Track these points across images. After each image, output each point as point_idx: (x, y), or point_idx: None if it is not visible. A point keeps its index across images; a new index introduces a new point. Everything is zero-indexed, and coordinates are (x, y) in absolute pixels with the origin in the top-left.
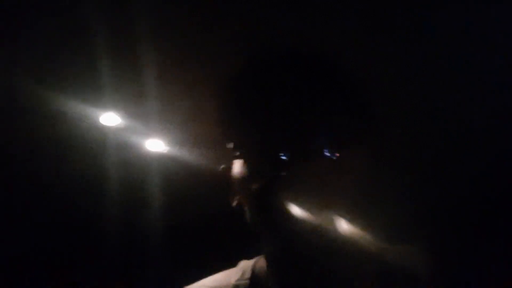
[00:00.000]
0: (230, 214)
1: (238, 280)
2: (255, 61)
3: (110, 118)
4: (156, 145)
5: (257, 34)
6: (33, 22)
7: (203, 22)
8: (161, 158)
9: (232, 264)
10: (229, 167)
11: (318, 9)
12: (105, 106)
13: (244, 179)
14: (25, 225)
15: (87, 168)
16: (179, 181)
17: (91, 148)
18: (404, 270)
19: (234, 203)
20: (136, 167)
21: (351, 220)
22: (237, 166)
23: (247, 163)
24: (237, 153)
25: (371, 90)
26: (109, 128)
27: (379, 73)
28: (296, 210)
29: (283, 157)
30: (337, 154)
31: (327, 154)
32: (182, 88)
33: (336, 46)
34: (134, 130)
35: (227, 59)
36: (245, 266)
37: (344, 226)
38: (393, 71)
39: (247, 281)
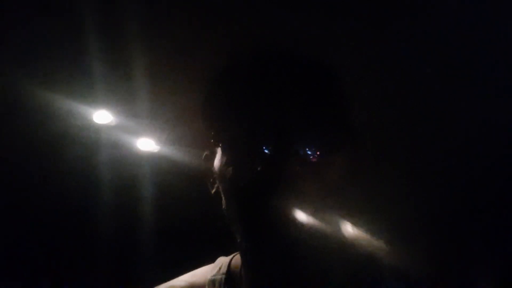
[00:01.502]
0: (219, 214)
1: (214, 275)
2: (246, 56)
3: (102, 116)
4: (147, 143)
5: (250, 33)
6: (24, 21)
7: (196, 20)
8: (152, 157)
9: (213, 257)
10: (212, 154)
11: (312, 11)
12: (97, 104)
13: (226, 170)
14: (14, 224)
15: (78, 166)
16: (171, 180)
17: (83, 146)
18: (394, 270)
19: (213, 191)
20: (127, 165)
21: (336, 218)
22: (220, 155)
23: (229, 154)
24: (220, 142)
25: (360, 91)
26: (101, 126)
27: (374, 73)
28: (276, 208)
29: (266, 152)
30: (318, 153)
31: (309, 152)
32: (175, 87)
33: (330, 48)
34: (126, 128)
35: (220, 58)
36: (222, 261)
37: (328, 225)
38: (390, 71)
39: (223, 276)
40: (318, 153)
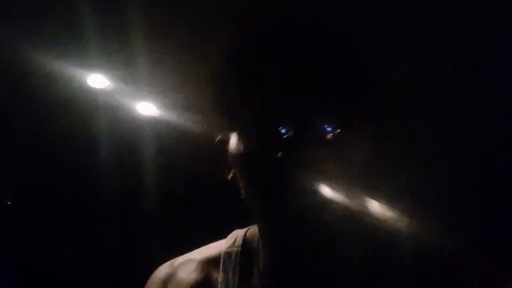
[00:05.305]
0: (223, 181)
1: (229, 247)
2: (255, 31)
3: (99, 80)
4: (147, 108)
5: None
6: None
7: None
8: (152, 122)
9: (225, 230)
10: (225, 139)
11: None
12: (94, 68)
13: (243, 156)
14: (11, 189)
15: (77, 131)
16: (171, 145)
17: (80, 111)
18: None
19: (229, 177)
20: (126, 130)
21: (357, 198)
22: (234, 140)
23: (246, 139)
24: (234, 126)
25: (378, 66)
26: (98, 90)
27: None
28: (297, 191)
29: (284, 133)
30: (338, 130)
31: (329, 129)
32: (174, 50)
33: (344, 18)
34: (124, 93)
35: (222, 21)
36: (237, 234)
37: (349, 204)
38: (408, 52)
39: (239, 249)
40: (338, 131)
